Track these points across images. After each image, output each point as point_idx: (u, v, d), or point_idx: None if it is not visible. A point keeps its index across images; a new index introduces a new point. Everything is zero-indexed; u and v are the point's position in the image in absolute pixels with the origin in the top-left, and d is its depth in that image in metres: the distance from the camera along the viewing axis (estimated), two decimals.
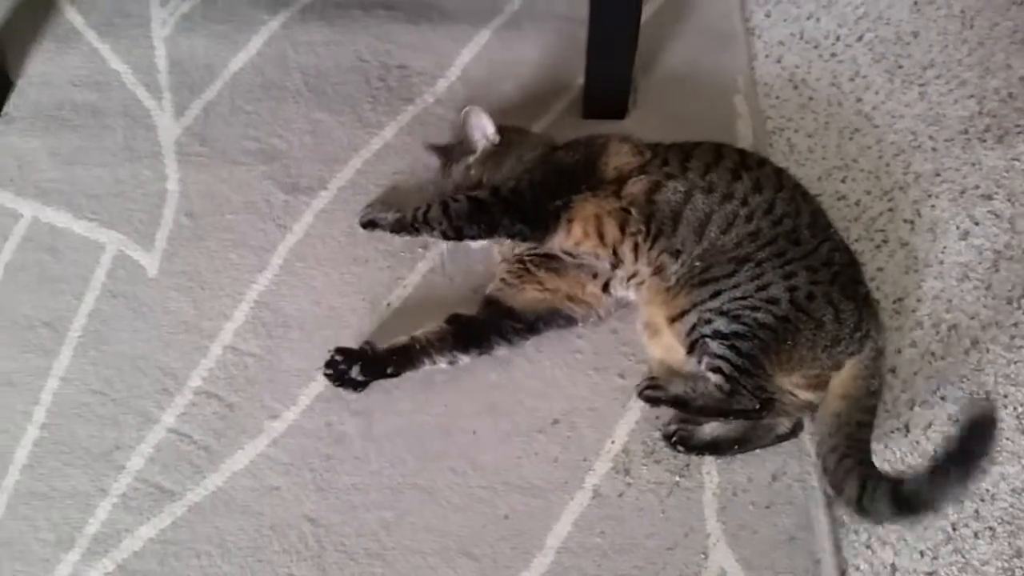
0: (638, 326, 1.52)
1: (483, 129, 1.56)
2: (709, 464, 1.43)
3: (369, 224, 1.61)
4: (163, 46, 1.88)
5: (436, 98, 1.80)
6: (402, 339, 1.50)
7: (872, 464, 1.33)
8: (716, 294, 1.39)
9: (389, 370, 1.48)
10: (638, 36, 1.59)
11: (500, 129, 1.57)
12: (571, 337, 1.54)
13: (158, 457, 1.45)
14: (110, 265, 1.63)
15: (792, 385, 1.39)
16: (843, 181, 1.67)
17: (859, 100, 1.76)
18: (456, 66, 1.84)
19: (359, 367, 1.47)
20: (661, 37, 1.85)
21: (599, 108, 1.72)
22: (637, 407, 1.48)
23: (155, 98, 1.82)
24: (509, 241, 1.54)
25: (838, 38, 1.83)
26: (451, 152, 1.62)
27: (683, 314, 1.41)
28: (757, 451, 1.42)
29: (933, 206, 1.64)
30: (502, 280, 1.55)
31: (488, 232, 1.50)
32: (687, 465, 1.43)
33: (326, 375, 1.48)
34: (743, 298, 1.37)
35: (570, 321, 1.54)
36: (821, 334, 1.36)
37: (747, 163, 1.51)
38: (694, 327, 1.39)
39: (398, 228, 1.55)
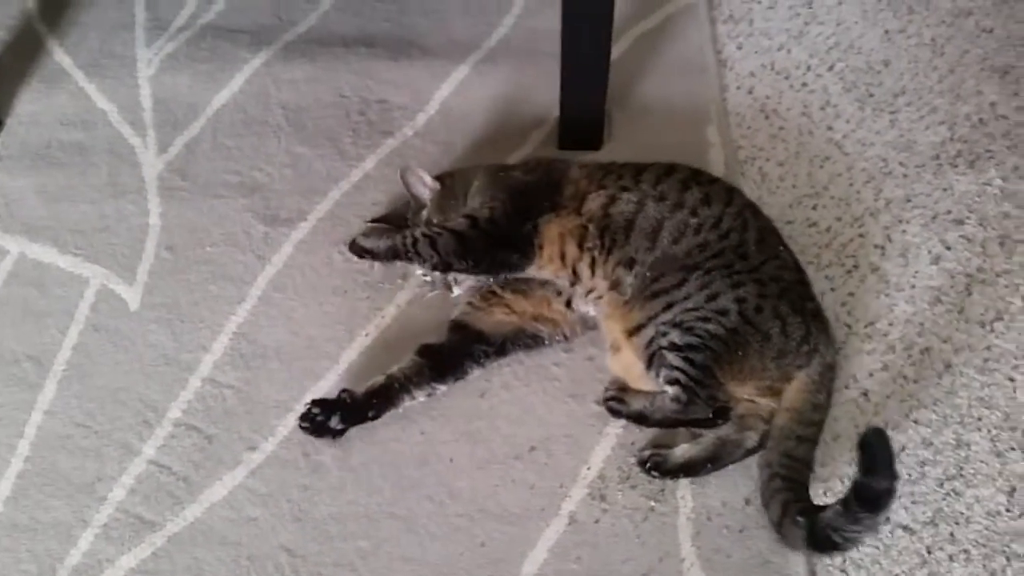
0: (608, 346, 1.54)
1: (423, 181, 1.60)
2: (683, 488, 1.44)
3: (361, 252, 1.60)
4: (148, 85, 1.92)
5: (415, 131, 1.83)
6: (379, 379, 1.51)
7: (800, 488, 1.34)
8: (669, 306, 1.42)
9: (370, 414, 1.49)
10: (609, 70, 1.63)
11: (437, 177, 1.61)
12: (548, 364, 1.56)
13: (139, 488, 1.47)
14: (93, 299, 1.66)
15: (747, 395, 1.41)
16: (814, 208, 1.69)
17: (830, 128, 1.78)
18: (435, 100, 1.87)
19: (338, 416, 1.48)
20: (636, 70, 1.88)
21: (575, 139, 1.75)
22: (613, 433, 1.49)
23: (139, 135, 1.86)
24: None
25: (809, 68, 1.86)
26: (396, 219, 1.65)
27: (639, 328, 1.44)
28: (731, 475, 1.43)
29: (904, 231, 1.66)
30: (469, 304, 1.58)
31: (475, 266, 1.52)
32: (662, 490, 1.44)
33: (302, 428, 1.49)
34: (694, 309, 1.41)
35: (537, 340, 1.56)
36: (768, 346, 1.40)
37: (698, 178, 1.56)
38: (651, 340, 1.42)
39: (392, 255, 1.55)
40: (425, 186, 1.61)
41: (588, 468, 1.47)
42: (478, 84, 1.89)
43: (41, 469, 1.48)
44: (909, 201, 1.69)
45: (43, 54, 1.99)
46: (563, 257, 1.53)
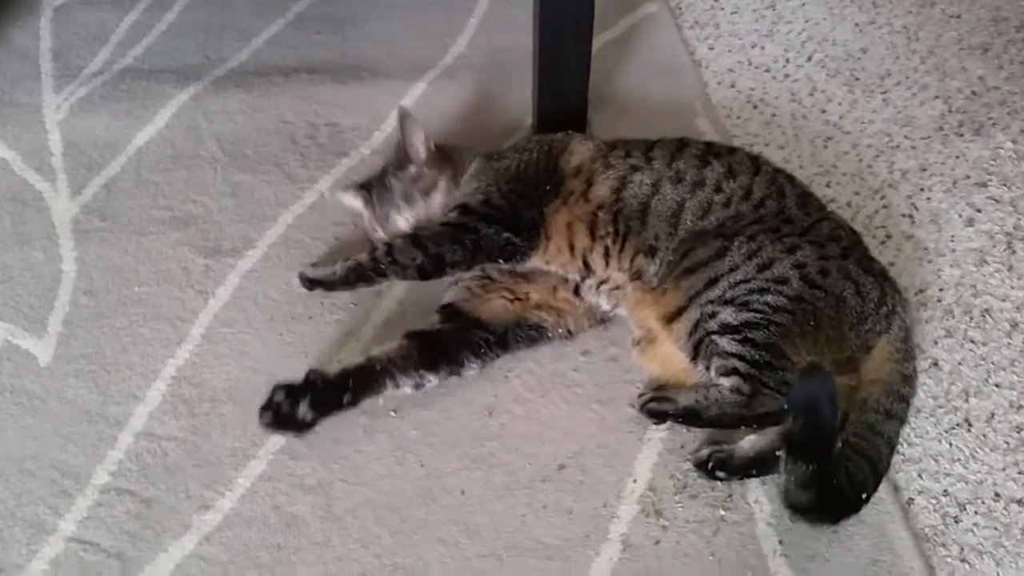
0: (630, 343, 1.31)
1: (421, 139, 1.41)
2: (755, 490, 1.17)
3: (310, 284, 1.34)
4: (57, 130, 1.67)
5: (373, 149, 1.63)
6: (358, 360, 1.24)
7: (874, 465, 1.14)
8: (713, 281, 1.20)
9: (345, 398, 1.21)
10: (591, 53, 1.47)
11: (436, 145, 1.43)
12: (565, 371, 1.31)
13: (57, 574, 1.12)
14: None
15: None
16: (828, 186, 1.54)
17: (823, 111, 1.66)
18: (393, 118, 1.66)
19: (307, 403, 1.20)
20: (609, 74, 1.74)
21: None
22: (656, 438, 1.23)
23: (47, 180, 1.59)
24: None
25: (788, 61, 1.76)
26: (373, 186, 1.43)
27: (681, 311, 1.21)
28: None
29: (928, 199, 1.51)
30: (466, 288, 1.34)
31: (474, 250, 1.28)
32: (729, 495, 1.17)
33: (263, 422, 1.21)
34: (746, 281, 1.18)
35: (540, 332, 1.32)
36: (844, 311, 1.18)
37: (715, 150, 1.37)
38: (697, 324, 1.19)
39: (353, 279, 1.30)
40: (423, 144, 1.41)
41: (634, 481, 1.19)
42: (439, 99, 1.71)
43: None
44: (925, 170, 1.55)
45: None
46: (572, 248, 1.31)
